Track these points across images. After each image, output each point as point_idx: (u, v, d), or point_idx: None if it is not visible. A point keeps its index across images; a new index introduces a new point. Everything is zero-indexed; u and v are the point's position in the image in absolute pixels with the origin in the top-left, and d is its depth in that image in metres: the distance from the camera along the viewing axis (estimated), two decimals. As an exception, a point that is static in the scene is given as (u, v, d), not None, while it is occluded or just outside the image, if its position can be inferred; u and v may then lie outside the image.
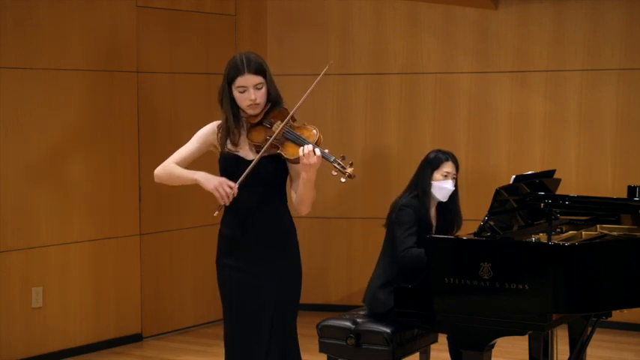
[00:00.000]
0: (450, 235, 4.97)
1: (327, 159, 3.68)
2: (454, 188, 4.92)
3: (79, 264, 6.30)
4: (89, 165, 6.34)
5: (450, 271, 4.29)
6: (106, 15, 6.41)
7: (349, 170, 3.65)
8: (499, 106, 7.16)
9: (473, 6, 7.14)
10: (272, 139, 3.75)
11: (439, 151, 4.99)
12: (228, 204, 3.77)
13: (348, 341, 4.76)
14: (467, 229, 4.97)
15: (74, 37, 6.24)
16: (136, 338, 6.66)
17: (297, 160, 3.75)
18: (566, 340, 5.13)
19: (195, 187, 7.23)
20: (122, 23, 6.51)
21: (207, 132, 3.99)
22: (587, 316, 4.84)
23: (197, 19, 7.01)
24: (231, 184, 3.76)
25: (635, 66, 6.82)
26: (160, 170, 4.01)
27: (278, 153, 3.78)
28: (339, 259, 7.50)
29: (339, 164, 3.66)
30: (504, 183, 4.57)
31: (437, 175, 4.86)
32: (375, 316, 4.83)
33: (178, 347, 6.58)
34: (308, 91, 3.83)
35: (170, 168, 3.97)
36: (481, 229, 4.36)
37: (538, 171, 5.09)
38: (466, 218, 6.93)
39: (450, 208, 4.97)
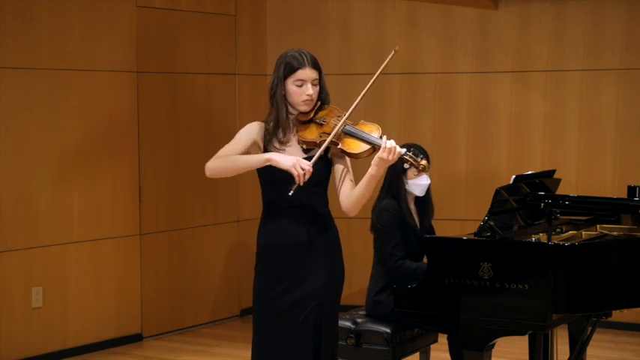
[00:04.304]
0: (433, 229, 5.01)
1: (401, 154, 3.61)
2: (430, 181, 4.89)
3: (79, 264, 6.30)
4: (89, 165, 6.34)
5: (450, 271, 4.29)
6: (106, 15, 6.41)
7: (423, 163, 3.60)
8: (499, 106, 7.16)
9: (473, 6, 7.14)
10: (336, 130, 3.64)
11: (407, 146, 4.92)
12: (302, 184, 3.59)
13: (348, 341, 4.75)
14: (467, 229, 4.97)
15: (74, 37, 6.24)
16: (136, 338, 6.66)
17: (359, 155, 3.66)
18: (566, 340, 5.14)
19: (196, 188, 7.23)
20: (122, 23, 6.50)
21: (251, 130, 3.80)
22: (587, 316, 4.84)
23: (197, 19, 7.01)
24: (307, 162, 3.60)
25: (635, 66, 6.82)
26: (216, 163, 3.74)
27: (339, 148, 3.68)
28: (339, 259, 7.49)
29: (411, 157, 3.59)
30: (504, 183, 4.56)
31: (410, 173, 4.82)
32: (375, 316, 4.83)
33: (178, 347, 6.58)
34: (366, 88, 3.74)
35: (231, 157, 3.73)
36: (481, 229, 4.36)
37: (538, 171, 5.08)
38: (466, 218, 6.97)
39: (426, 198, 4.95)
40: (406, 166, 3.60)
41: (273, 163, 3.63)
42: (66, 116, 6.21)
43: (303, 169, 3.57)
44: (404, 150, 3.60)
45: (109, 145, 6.44)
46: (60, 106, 6.18)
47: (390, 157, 3.58)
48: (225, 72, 7.23)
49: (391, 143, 3.58)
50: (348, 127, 3.70)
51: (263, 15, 7.51)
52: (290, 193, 3.59)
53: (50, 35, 6.12)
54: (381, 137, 3.64)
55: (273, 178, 3.73)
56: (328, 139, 3.66)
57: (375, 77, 3.77)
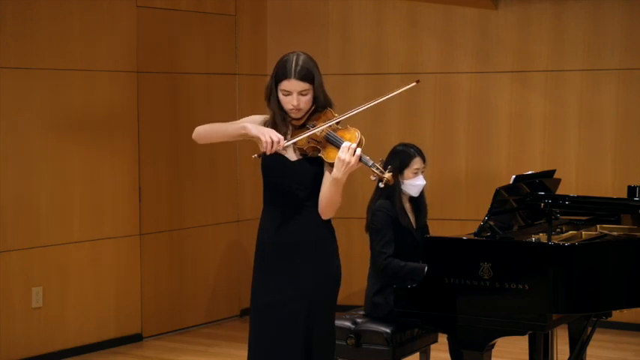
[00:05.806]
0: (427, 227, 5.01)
1: (365, 163, 3.59)
2: (425, 182, 4.89)
3: (79, 264, 6.30)
4: (89, 165, 6.34)
5: (450, 271, 4.29)
6: (106, 15, 6.41)
7: (387, 175, 3.58)
8: (499, 106, 7.16)
9: (473, 6, 7.14)
10: (308, 134, 3.65)
11: (405, 145, 4.91)
12: (268, 153, 3.62)
13: (348, 341, 4.75)
14: (467, 229, 4.96)
15: (74, 37, 6.24)
16: (136, 338, 6.66)
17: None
18: (566, 340, 5.14)
19: (196, 188, 7.22)
20: (122, 23, 6.50)
21: (258, 121, 3.83)
22: (587, 316, 4.84)
23: (197, 19, 7.01)
24: (279, 135, 3.63)
25: (635, 66, 6.82)
26: (204, 127, 3.87)
27: (319, 156, 3.68)
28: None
29: (377, 168, 3.59)
30: (504, 183, 4.56)
31: (407, 173, 4.83)
32: (375, 317, 4.83)
33: (178, 347, 6.58)
34: (366, 105, 3.76)
35: (214, 124, 3.87)
36: (481, 229, 4.36)
37: (538, 171, 5.08)
38: (466, 218, 6.97)
39: (420, 198, 4.95)
40: (372, 178, 3.60)
41: (247, 131, 3.70)
42: (66, 116, 6.21)
43: (272, 139, 3.60)
44: (371, 162, 3.59)
45: (108, 145, 6.44)
46: (60, 106, 6.18)
47: (348, 158, 3.57)
48: (225, 72, 7.23)
49: (351, 145, 3.58)
50: (329, 134, 3.69)
51: (263, 15, 7.52)
52: (253, 156, 3.65)
53: (50, 35, 6.12)
54: (358, 144, 3.63)
55: (273, 175, 3.75)
56: (298, 138, 3.65)
57: (381, 99, 3.78)
